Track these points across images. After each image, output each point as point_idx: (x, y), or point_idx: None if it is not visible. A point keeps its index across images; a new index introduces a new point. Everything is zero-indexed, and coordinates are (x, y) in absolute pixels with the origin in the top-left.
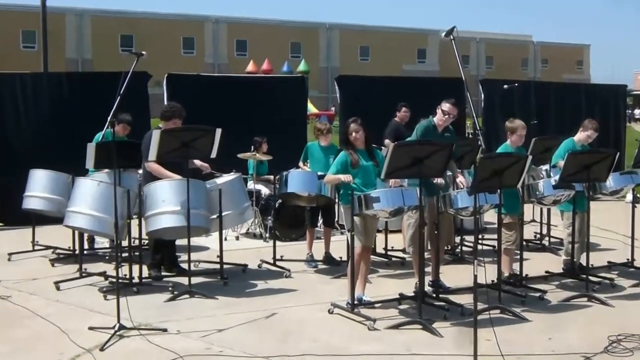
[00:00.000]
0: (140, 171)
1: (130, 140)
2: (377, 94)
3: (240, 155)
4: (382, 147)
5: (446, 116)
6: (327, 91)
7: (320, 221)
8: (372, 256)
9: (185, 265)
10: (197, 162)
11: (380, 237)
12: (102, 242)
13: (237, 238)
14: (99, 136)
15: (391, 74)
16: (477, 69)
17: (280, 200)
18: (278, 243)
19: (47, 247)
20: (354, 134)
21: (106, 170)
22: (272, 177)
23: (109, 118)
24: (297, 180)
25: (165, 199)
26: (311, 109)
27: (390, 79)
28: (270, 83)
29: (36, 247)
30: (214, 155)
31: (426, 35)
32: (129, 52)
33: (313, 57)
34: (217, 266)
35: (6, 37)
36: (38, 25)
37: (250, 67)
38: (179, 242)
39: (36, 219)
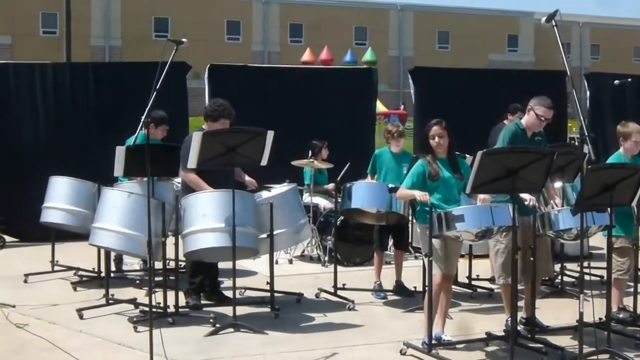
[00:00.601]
0: (178, 180)
1: (167, 143)
2: (458, 89)
3: (295, 163)
4: (467, 155)
5: (540, 120)
6: (398, 85)
7: (391, 243)
8: (453, 286)
9: (229, 293)
10: (247, 178)
11: (463, 264)
12: (131, 264)
13: (291, 261)
14: (130, 140)
15: (475, 65)
16: (580, 60)
17: (342, 217)
18: (339, 268)
19: (69, 268)
20: (437, 138)
21: (138, 179)
22: (332, 187)
23: (142, 117)
24: (364, 194)
25: (207, 214)
26: (379, 107)
27: (474, 72)
28: (331, 76)
29: (56, 268)
30: (264, 162)
31: (518, 18)
32: (164, 38)
33: (381, 45)
34: (267, 295)
35: (23, 21)
36: (60, 7)
37: (307, 56)
38: (222, 265)
39: (56, 234)
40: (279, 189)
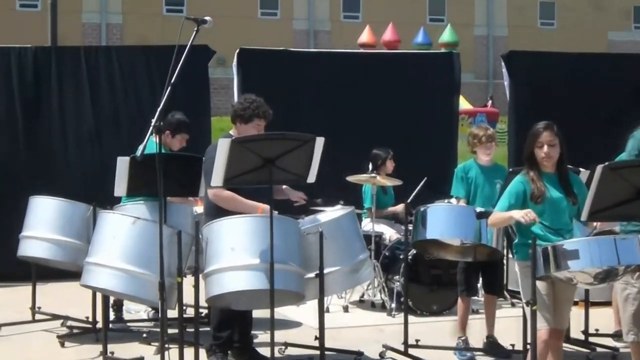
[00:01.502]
0: (196, 205)
1: (185, 153)
2: (567, 79)
3: (351, 179)
4: (581, 170)
5: None
6: (487, 75)
7: (480, 285)
8: (564, 344)
9: (265, 351)
10: (286, 189)
11: (577, 314)
12: (137, 311)
13: (346, 309)
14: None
15: (590, 49)
16: None
17: (414, 251)
18: (411, 318)
19: (55, 317)
20: (546, 148)
21: (144, 199)
22: (400, 210)
23: (152, 121)
24: (443, 220)
25: (236, 247)
26: (462, 103)
27: (589, 57)
28: (398, 62)
29: (38, 316)
30: (312, 179)
31: None
32: (178, 13)
33: (464, 21)
34: (316, 353)
35: None
36: None
37: (366, 37)
38: (256, 314)
39: (38, 272)
40: (330, 213)
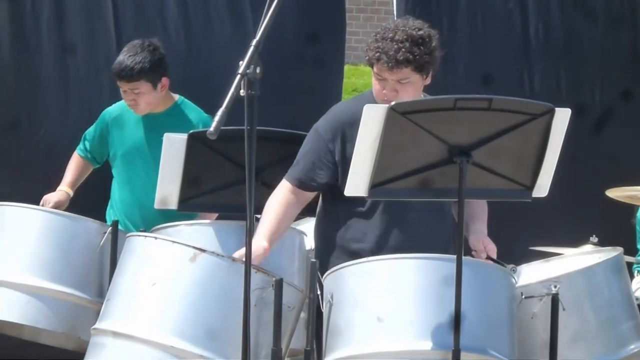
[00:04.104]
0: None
1: (289, 131)
2: None
3: (613, 194)
4: None
5: None
6: None
7: None
8: None
9: None
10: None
11: None
12: None
13: None
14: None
15: None
16: None
17: None
18: None
19: None
20: None
21: (208, 218)
22: None
23: (240, 67)
24: None
25: (386, 315)
26: None
27: None
28: None
29: None
30: (543, 192)
31: None
32: None
33: None
34: None
35: None
36: None
37: None
38: None
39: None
40: (573, 259)
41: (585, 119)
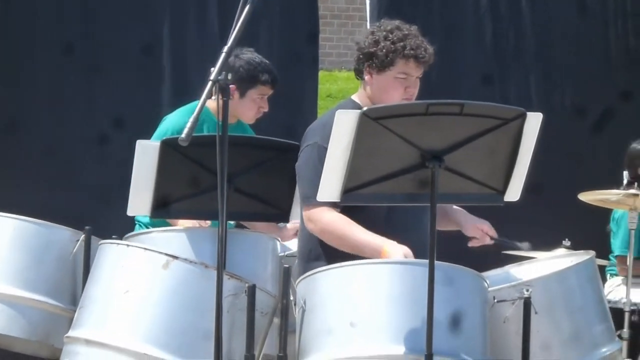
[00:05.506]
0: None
1: (270, 138)
2: None
3: (586, 197)
4: None
5: None
6: None
7: None
8: None
9: None
10: (460, 213)
11: None
12: None
13: None
14: (168, 126)
15: None
16: None
17: None
18: None
19: None
20: None
21: (184, 223)
22: None
23: (211, 75)
24: None
25: (359, 320)
26: None
27: None
28: None
29: None
30: (515, 196)
31: None
32: None
33: None
34: None
35: None
36: None
37: None
38: None
39: None
40: (546, 263)
41: (586, 119)
